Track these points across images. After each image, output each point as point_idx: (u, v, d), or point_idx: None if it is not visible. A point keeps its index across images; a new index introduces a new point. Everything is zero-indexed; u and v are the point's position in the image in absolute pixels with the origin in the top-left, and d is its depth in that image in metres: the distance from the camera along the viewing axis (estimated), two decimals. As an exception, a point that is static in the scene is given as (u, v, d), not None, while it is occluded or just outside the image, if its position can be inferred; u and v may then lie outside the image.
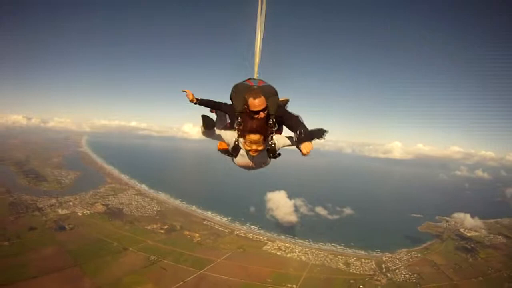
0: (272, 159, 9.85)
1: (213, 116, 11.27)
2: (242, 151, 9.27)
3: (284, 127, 10.21)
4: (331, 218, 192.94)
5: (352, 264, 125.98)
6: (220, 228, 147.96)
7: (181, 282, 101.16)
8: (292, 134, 9.34)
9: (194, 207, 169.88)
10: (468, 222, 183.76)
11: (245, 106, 9.06)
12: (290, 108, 10.54)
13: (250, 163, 9.48)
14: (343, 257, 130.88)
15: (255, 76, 10.68)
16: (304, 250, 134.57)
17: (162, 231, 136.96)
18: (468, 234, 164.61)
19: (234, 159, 9.80)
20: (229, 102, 10.08)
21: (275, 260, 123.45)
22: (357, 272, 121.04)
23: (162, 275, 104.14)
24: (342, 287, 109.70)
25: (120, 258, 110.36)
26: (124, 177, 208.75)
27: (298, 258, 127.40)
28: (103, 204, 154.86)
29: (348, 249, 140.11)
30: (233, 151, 9.44)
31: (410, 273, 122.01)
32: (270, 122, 9.32)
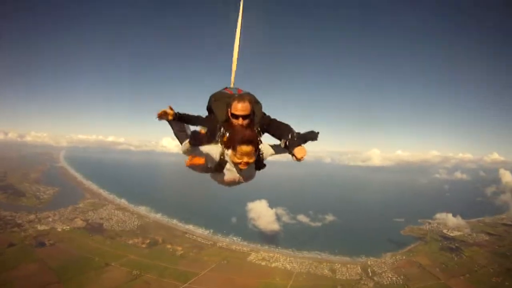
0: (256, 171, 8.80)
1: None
2: (228, 165, 8.12)
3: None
4: (314, 225, 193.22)
5: (337, 270, 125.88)
6: (202, 241, 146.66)
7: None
8: (277, 142, 8.44)
9: (175, 221, 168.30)
10: (450, 222, 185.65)
11: (228, 113, 8.16)
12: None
13: (237, 177, 8.37)
14: (328, 264, 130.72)
15: (231, 84, 9.82)
16: (288, 259, 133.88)
17: (144, 246, 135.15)
18: (452, 234, 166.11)
19: (217, 175, 8.59)
20: (205, 114, 9.17)
21: (260, 271, 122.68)
22: (344, 278, 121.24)
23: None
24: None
25: (103, 273, 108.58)
26: (103, 192, 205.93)
27: (283, 267, 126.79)
28: (83, 220, 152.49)
29: (332, 256, 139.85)
30: (217, 167, 8.22)
31: (396, 275, 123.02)
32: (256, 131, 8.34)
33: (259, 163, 8.38)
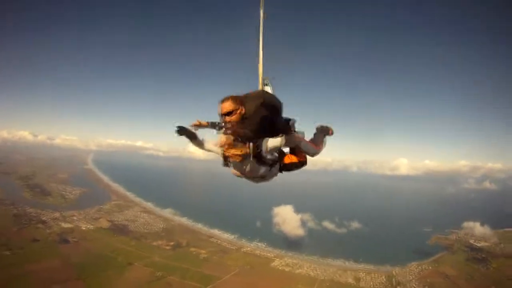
0: (279, 172, 9.44)
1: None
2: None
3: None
4: (339, 232, 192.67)
5: (362, 279, 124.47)
6: (227, 245, 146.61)
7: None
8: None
9: (200, 225, 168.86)
10: (478, 231, 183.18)
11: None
12: None
13: (242, 171, 8.76)
14: (353, 272, 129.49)
15: (259, 86, 10.40)
16: (312, 266, 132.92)
17: (168, 248, 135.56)
18: (479, 245, 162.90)
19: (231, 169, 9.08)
20: None
21: (284, 277, 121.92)
22: (368, 287, 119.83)
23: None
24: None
25: (125, 273, 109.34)
26: (130, 195, 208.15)
27: (306, 274, 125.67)
28: (108, 220, 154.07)
29: (357, 264, 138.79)
30: (224, 161, 8.75)
31: (421, 286, 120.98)
32: (247, 124, 8.57)
33: (260, 157, 8.50)
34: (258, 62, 10.40)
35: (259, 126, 8.59)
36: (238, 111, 8.54)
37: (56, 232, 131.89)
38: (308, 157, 9.82)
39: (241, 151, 8.24)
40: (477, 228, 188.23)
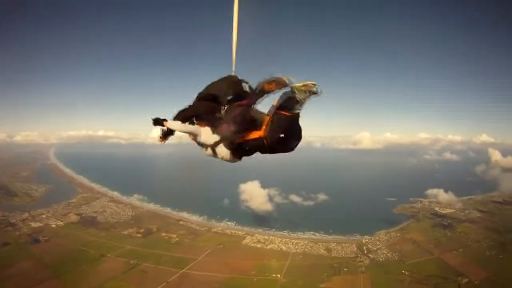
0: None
1: None
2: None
3: None
4: (306, 205, 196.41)
5: (333, 249, 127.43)
6: (197, 227, 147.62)
7: (164, 283, 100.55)
8: None
9: (168, 209, 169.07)
10: (442, 198, 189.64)
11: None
12: None
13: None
14: (324, 244, 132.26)
15: (233, 73, 10.05)
16: (283, 240, 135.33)
17: (139, 235, 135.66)
18: (443, 212, 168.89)
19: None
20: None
21: (256, 253, 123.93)
22: (340, 256, 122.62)
23: (144, 278, 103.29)
24: (326, 271, 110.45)
25: (99, 265, 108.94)
26: (96, 186, 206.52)
27: (278, 249, 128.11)
28: (77, 214, 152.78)
29: (327, 235, 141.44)
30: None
31: (391, 252, 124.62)
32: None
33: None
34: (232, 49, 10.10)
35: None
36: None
37: (27, 233, 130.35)
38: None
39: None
40: (441, 195, 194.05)
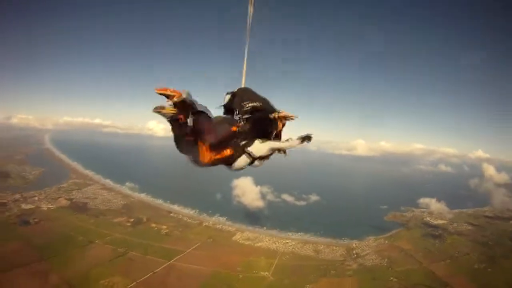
0: None
1: None
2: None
3: None
4: (298, 204, 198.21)
5: (321, 251, 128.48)
6: (188, 220, 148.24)
7: (151, 273, 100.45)
8: None
9: (160, 201, 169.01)
10: (434, 207, 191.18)
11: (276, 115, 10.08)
12: None
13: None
14: (312, 245, 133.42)
15: (242, 85, 10.83)
16: (273, 239, 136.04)
17: (128, 224, 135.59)
18: (434, 222, 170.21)
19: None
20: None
21: (245, 249, 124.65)
22: (328, 259, 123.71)
23: (130, 266, 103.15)
24: (314, 273, 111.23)
25: (87, 251, 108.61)
26: (89, 173, 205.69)
27: (267, 247, 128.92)
28: (67, 199, 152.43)
29: (316, 237, 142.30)
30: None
31: (380, 258, 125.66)
32: None
33: None
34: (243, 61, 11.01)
35: None
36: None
37: (16, 214, 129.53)
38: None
39: None
40: (433, 204, 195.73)
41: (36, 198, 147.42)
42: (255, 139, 9.79)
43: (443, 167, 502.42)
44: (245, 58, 10.93)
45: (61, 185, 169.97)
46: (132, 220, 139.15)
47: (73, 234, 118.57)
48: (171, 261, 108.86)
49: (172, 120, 9.04)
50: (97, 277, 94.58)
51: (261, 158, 9.90)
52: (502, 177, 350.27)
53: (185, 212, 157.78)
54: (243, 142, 9.74)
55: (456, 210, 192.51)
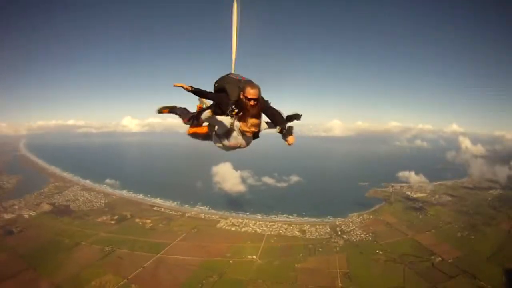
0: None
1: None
2: (235, 133, 10.39)
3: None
4: (280, 186, 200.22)
5: (307, 231, 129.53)
6: (171, 212, 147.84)
7: (141, 268, 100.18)
8: (267, 119, 10.89)
9: (141, 196, 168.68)
10: (413, 180, 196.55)
11: (241, 95, 10.31)
12: None
13: (241, 143, 10.73)
14: (298, 226, 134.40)
15: (232, 71, 11.70)
16: (258, 223, 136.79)
17: (112, 222, 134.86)
18: (415, 196, 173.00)
19: (222, 141, 10.79)
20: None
21: (231, 236, 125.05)
22: (314, 237, 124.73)
23: (120, 264, 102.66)
24: (301, 252, 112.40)
25: (74, 253, 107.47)
26: (67, 175, 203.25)
27: (253, 231, 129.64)
28: (49, 203, 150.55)
29: (300, 218, 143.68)
30: (225, 134, 10.51)
31: (365, 233, 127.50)
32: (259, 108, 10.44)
33: (256, 134, 10.74)
34: (231, 46, 11.72)
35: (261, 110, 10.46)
36: (260, 98, 10.38)
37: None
38: None
39: (258, 129, 10.35)
40: (412, 177, 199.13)
41: (16, 207, 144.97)
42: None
43: (419, 143, 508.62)
44: (234, 45, 11.69)
45: (42, 191, 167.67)
46: (115, 217, 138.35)
47: (59, 238, 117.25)
48: (159, 255, 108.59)
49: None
50: (88, 278, 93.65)
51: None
52: (478, 149, 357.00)
53: (167, 205, 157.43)
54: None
55: (436, 183, 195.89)
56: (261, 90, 10.42)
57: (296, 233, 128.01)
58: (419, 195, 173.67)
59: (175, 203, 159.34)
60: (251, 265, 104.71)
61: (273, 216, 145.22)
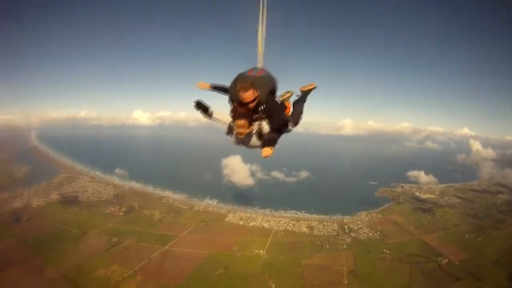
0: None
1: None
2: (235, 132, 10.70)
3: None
4: (288, 181, 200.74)
5: (315, 228, 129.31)
6: (179, 205, 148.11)
7: (147, 260, 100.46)
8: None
9: (150, 187, 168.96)
10: (423, 180, 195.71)
11: (236, 95, 10.24)
12: None
13: (240, 142, 11.10)
14: (305, 222, 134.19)
15: (259, 65, 11.42)
16: (265, 218, 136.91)
17: (120, 213, 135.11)
18: (424, 197, 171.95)
19: (231, 138, 11.18)
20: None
21: (239, 230, 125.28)
22: (321, 234, 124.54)
23: (126, 255, 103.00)
24: (308, 248, 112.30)
25: (81, 243, 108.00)
26: (77, 166, 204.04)
27: (260, 226, 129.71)
28: (58, 194, 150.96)
29: (309, 214, 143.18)
30: (228, 132, 11.00)
31: (373, 232, 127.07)
32: (260, 109, 10.65)
33: (260, 136, 10.94)
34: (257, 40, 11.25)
35: (266, 110, 10.56)
36: (256, 99, 10.18)
37: (7, 213, 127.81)
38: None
39: (249, 131, 10.61)
40: (422, 177, 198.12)
41: (25, 196, 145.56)
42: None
43: (429, 144, 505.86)
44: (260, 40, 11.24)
45: (51, 181, 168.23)
46: (124, 209, 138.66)
47: (66, 227, 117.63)
48: (166, 247, 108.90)
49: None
50: (93, 268, 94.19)
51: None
52: (489, 153, 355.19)
53: (176, 197, 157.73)
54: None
55: (445, 185, 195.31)
56: (264, 88, 10.38)
57: (304, 229, 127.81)
58: (428, 196, 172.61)
59: (184, 195, 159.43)
60: (257, 259, 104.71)
61: (281, 211, 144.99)
